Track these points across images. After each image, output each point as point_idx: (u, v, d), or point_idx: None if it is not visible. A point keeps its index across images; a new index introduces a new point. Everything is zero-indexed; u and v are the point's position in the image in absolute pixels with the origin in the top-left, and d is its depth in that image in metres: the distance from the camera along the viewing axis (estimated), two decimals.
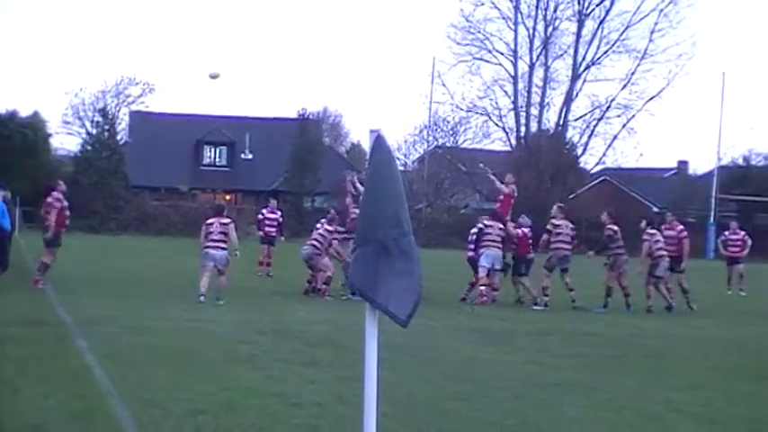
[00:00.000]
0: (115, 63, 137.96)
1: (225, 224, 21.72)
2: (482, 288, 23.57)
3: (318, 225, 24.10)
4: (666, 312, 23.17)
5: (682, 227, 25.13)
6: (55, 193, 22.75)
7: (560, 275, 23.78)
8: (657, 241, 23.91)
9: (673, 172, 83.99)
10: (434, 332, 16.65)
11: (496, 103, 73.70)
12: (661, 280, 23.74)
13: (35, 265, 23.51)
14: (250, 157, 73.47)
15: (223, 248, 21.51)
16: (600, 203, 56.49)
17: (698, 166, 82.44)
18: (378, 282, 5.43)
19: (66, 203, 22.97)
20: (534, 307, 23.06)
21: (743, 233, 30.43)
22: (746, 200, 65.16)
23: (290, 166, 66.70)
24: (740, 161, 72.31)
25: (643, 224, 24.39)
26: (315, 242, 23.35)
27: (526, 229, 24.73)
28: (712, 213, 66.77)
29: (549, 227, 24.06)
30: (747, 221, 64.85)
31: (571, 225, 24.12)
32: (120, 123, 70.46)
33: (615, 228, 23.77)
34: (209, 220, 21.91)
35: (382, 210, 5.49)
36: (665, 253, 23.82)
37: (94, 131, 66.08)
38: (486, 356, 14.79)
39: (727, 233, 30.80)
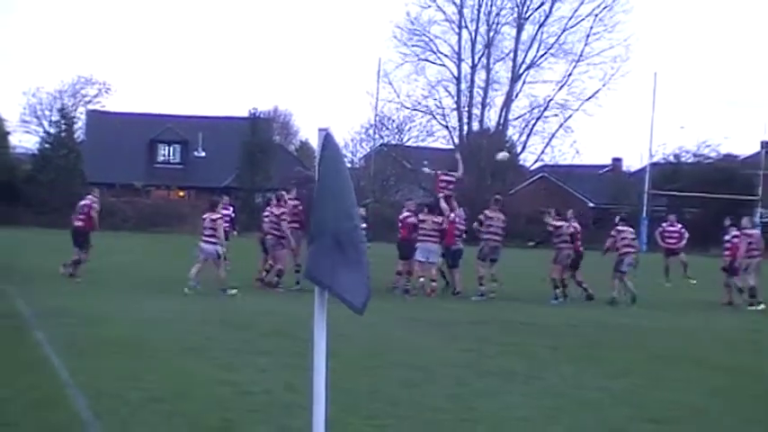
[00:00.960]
0: (72, 63, 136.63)
1: (213, 219, 21.98)
2: (421, 280, 23.61)
3: (267, 209, 24.02)
4: (610, 304, 23.21)
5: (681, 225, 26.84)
6: None
7: (489, 266, 23.81)
8: (624, 238, 24.17)
9: (607, 169, 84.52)
10: (380, 322, 16.66)
11: (440, 102, 73.88)
12: (625, 274, 23.94)
13: None
14: (203, 154, 73.05)
15: (212, 242, 21.77)
16: (538, 199, 56.98)
17: (631, 164, 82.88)
18: (335, 272, 5.48)
19: None
20: (473, 298, 23.07)
21: (680, 225, 30.54)
22: (676, 195, 65.77)
23: (242, 164, 66.43)
24: (671, 158, 72.91)
25: (617, 219, 25.11)
26: (273, 231, 23.22)
27: (456, 219, 24.52)
28: (644, 208, 67.30)
29: (480, 217, 24.14)
30: (676, 215, 65.65)
31: (503, 218, 24.15)
32: (77, 122, 69.81)
33: (558, 224, 24.04)
34: (203, 215, 22.47)
35: (336, 204, 5.54)
36: (630, 250, 24.07)
37: (52, 130, 65.54)
38: (429, 345, 14.83)
39: (664, 225, 30.84)
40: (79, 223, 24.43)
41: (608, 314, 20.86)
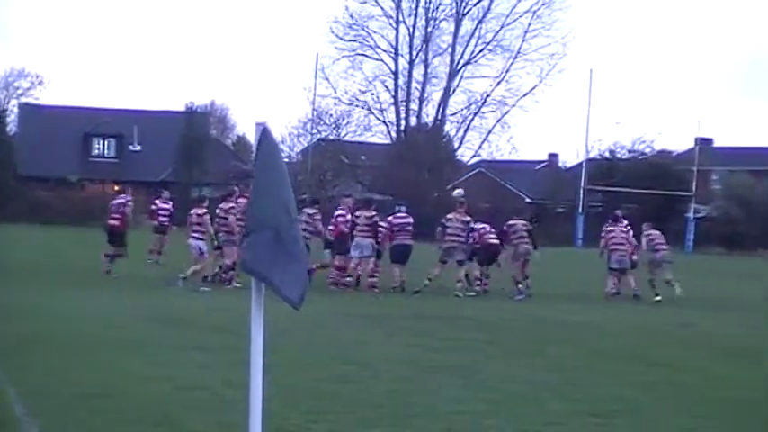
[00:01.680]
0: (5, 55, 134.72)
1: (200, 215, 22.17)
2: (352, 276, 23.93)
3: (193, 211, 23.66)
4: (546, 299, 23.57)
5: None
6: None
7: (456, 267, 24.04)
8: (612, 237, 25.30)
9: (544, 164, 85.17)
10: (321, 318, 16.64)
11: (378, 97, 74.04)
12: (615, 271, 25.00)
13: None
14: (138, 148, 72.40)
15: (195, 237, 21.90)
16: (475, 194, 56.95)
17: (567, 159, 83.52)
18: (273, 266, 5.45)
19: None
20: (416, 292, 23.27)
21: (625, 222, 30.76)
22: (612, 190, 66.37)
23: (178, 158, 66.05)
24: (606, 154, 73.56)
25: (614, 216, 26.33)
26: (224, 228, 23.10)
27: (399, 219, 24.68)
28: (581, 204, 67.85)
29: (442, 220, 24.45)
30: (612, 211, 66.12)
31: (465, 219, 24.30)
32: (9, 115, 68.93)
33: (513, 222, 24.95)
34: (190, 211, 23.00)
35: (274, 198, 5.52)
36: (618, 247, 25.03)
37: None
38: (369, 340, 14.85)
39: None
40: (114, 222, 25.37)
41: (546, 310, 21.03)
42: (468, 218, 24.42)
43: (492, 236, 24.66)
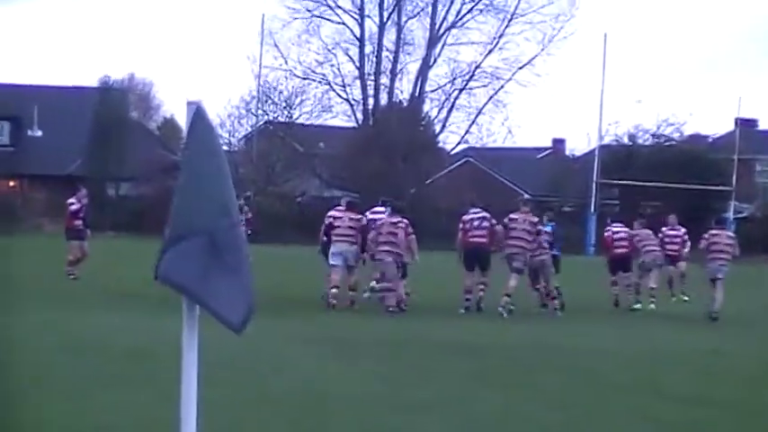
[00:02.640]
0: None
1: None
2: (333, 290, 24.07)
3: None
4: (548, 318, 23.90)
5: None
6: None
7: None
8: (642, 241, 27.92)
9: (547, 153, 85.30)
10: (269, 342, 16.70)
11: (339, 69, 73.78)
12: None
13: None
14: (39, 134, 71.95)
15: None
16: (461, 189, 57.15)
17: (576, 146, 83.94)
18: (207, 281, 5.42)
19: None
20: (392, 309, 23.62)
21: (683, 230, 31.11)
22: (631, 184, 66.32)
23: (90, 146, 65.74)
24: (625, 140, 73.62)
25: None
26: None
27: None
28: (593, 201, 67.76)
29: (505, 220, 24.90)
30: (631, 210, 66.18)
31: (533, 220, 24.88)
32: None
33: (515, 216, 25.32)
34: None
35: (209, 196, 5.49)
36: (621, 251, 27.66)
37: None
38: (329, 371, 14.93)
39: (664, 229, 30.97)
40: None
41: (548, 332, 21.19)
42: (537, 218, 25.10)
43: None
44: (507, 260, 24.55)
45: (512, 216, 24.80)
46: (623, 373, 15.97)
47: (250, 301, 5.55)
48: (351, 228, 24.37)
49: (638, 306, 27.06)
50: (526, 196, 26.63)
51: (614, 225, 29.14)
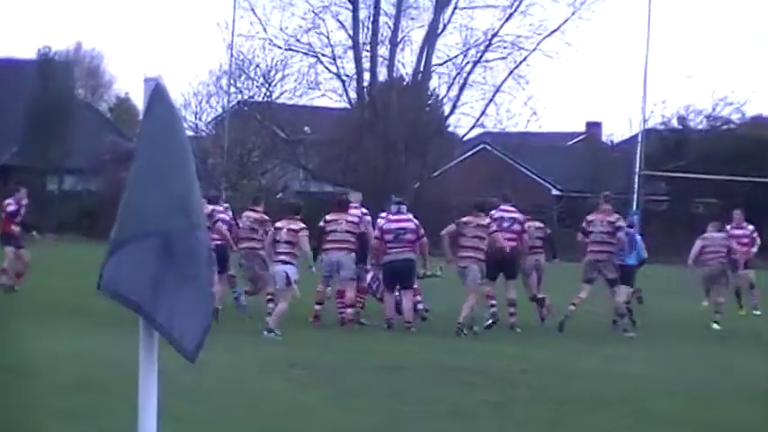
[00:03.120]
0: None
1: (294, 231, 23.21)
2: (317, 307, 24.63)
3: None
4: (579, 338, 23.90)
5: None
6: None
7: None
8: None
9: (580, 138, 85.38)
10: (241, 367, 16.69)
11: (328, 38, 73.74)
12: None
13: None
14: None
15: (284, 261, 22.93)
16: (476, 182, 57.15)
17: (615, 131, 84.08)
18: (158, 293, 5.37)
19: None
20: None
21: (751, 227, 31.06)
22: (682, 177, 66.25)
23: (27, 131, 65.74)
24: (674, 123, 73.64)
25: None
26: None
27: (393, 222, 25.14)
28: (635, 197, 67.63)
29: (583, 224, 25.47)
30: (682, 207, 66.12)
31: (612, 219, 25.13)
32: None
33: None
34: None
35: (166, 190, 5.44)
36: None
37: None
38: (313, 402, 14.91)
39: (728, 227, 30.87)
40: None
41: (579, 356, 21.18)
42: (617, 216, 25.38)
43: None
44: (588, 270, 24.83)
45: (589, 218, 25.20)
46: (667, 405, 15.89)
47: (207, 323, 5.53)
48: (348, 231, 24.46)
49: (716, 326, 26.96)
50: (606, 192, 26.37)
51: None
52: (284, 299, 22.64)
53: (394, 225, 24.82)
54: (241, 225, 25.79)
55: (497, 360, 20.06)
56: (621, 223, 25.13)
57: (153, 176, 5.45)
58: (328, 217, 24.79)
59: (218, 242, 23.69)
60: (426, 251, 24.74)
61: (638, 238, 26.05)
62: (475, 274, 23.73)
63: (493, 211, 25.28)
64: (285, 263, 22.76)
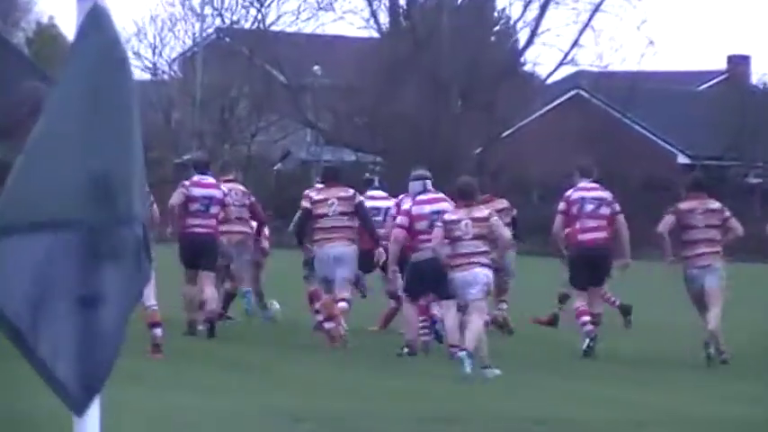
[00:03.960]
0: None
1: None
2: (318, 317, 25.24)
3: None
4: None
5: None
6: None
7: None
8: None
9: (719, 79, 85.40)
10: (225, 419, 16.85)
11: None
12: None
13: None
14: None
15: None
16: (567, 145, 57.19)
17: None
18: (43, 313, 5.16)
19: None
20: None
21: None
22: None
23: None
24: None
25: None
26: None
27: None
28: None
29: (671, 210, 25.41)
30: None
31: (713, 207, 25.26)
32: None
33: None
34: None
35: (78, 163, 5.22)
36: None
37: None
38: None
39: None
40: None
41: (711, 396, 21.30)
42: (718, 204, 25.40)
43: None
44: (692, 284, 24.81)
45: (681, 206, 25.16)
46: None
47: (109, 362, 5.30)
48: (343, 214, 24.63)
49: None
50: (695, 172, 26.53)
51: None
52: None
53: (428, 208, 24.48)
54: (227, 202, 25.70)
55: (586, 406, 20.10)
56: (728, 213, 25.21)
57: (66, 140, 5.26)
58: (314, 195, 24.96)
59: (204, 230, 23.86)
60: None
61: None
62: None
63: (569, 191, 25.37)
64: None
